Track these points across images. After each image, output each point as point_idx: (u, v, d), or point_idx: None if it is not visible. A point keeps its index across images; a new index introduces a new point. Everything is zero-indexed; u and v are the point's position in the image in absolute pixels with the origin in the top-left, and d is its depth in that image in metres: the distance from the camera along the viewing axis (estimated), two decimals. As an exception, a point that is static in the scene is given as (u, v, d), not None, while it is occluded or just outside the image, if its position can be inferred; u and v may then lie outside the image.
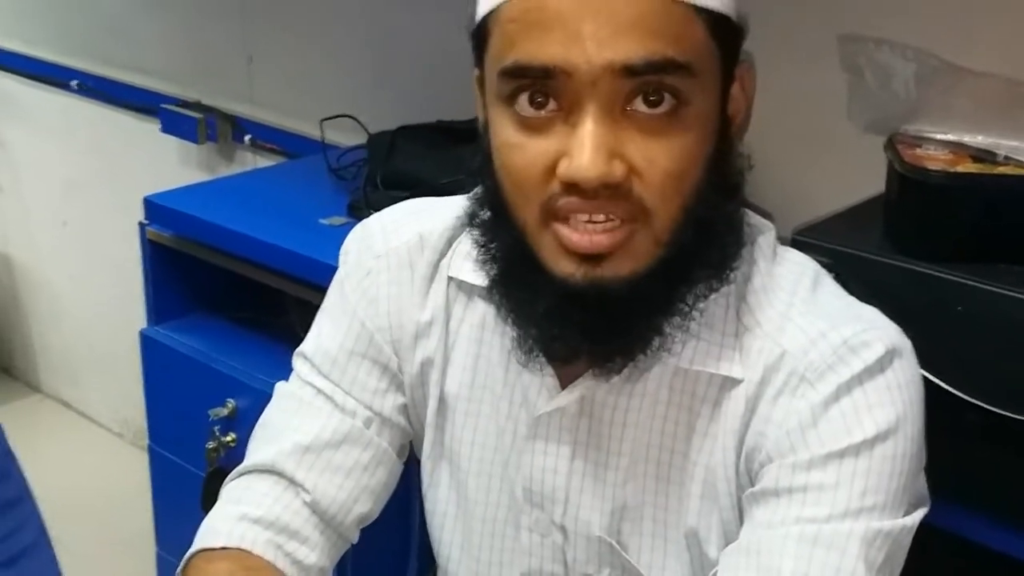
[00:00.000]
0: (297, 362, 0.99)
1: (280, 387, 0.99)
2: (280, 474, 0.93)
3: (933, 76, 1.11)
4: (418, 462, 1.01)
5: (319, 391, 0.95)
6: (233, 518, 0.90)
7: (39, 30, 2.71)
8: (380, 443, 0.95)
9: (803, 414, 0.81)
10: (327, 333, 0.98)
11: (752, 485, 0.84)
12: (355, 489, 0.94)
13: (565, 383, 0.89)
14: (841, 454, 0.80)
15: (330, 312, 0.99)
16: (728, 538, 0.86)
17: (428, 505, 1.01)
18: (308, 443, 0.93)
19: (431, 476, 0.99)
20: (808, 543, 0.78)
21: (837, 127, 1.23)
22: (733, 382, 0.85)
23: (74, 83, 2.61)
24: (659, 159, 0.77)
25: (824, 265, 0.91)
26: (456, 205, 0.95)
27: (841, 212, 1.20)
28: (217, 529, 0.90)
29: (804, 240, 1.08)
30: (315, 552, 0.91)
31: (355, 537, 0.97)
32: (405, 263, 0.95)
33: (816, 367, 0.82)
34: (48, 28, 2.68)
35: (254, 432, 0.98)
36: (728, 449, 0.85)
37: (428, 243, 0.95)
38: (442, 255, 0.95)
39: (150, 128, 2.42)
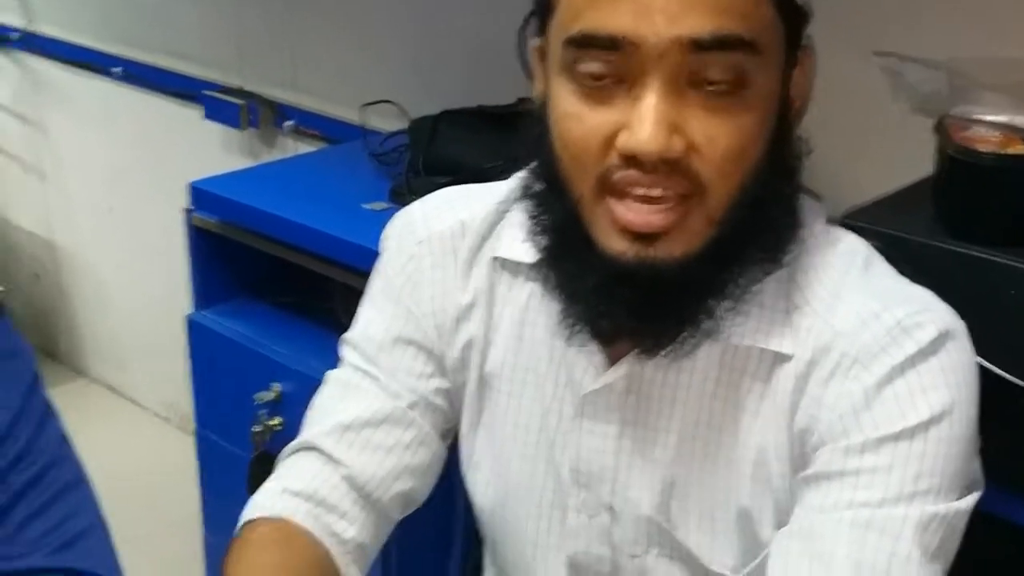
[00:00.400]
0: (344, 349, 1.00)
1: (328, 374, 1.00)
2: (320, 450, 0.94)
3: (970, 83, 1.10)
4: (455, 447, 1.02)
5: (364, 374, 0.96)
6: (275, 492, 0.92)
7: (81, 17, 2.72)
8: (423, 424, 0.96)
9: (856, 397, 0.81)
10: (371, 319, 0.99)
11: (805, 468, 0.83)
12: (395, 467, 0.94)
13: (612, 361, 0.88)
14: (895, 437, 0.79)
15: (373, 298, 1.00)
16: (780, 519, 0.85)
17: (470, 487, 1.01)
18: (348, 422, 0.94)
19: (470, 458, 0.99)
20: (862, 527, 0.78)
21: (885, 109, 1.22)
22: (782, 359, 0.84)
23: (117, 70, 2.63)
24: (719, 137, 0.77)
25: (878, 251, 0.90)
26: (496, 191, 0.96)
27: (890, 195, 1.19)
28: (260, 503, 0.92)
29: (853, 224, 1.07)
30: (353, 527, 0.92)
31: (397, 515, 0.97)
32: (448, 248, 0.96)
33: (869, 349, 0.81)
34: (90, 15, 2.70)
35: (304, 417, 0.99)
36: (780, 429, 0.85)
37: (470, 228, 0.95)
38: (484, 239, 0.95)
39: (193, 114, 2.43)
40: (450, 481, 1.05)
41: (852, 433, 0.80)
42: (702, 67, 0.76)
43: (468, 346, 0.96)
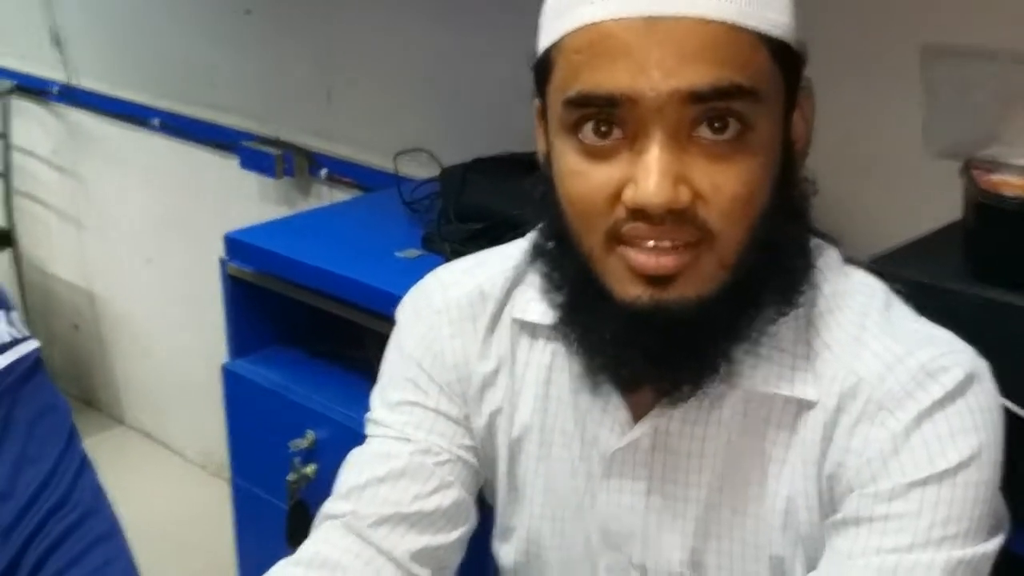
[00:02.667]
0: (367, 427, 0.98)
1: (350, 454, 0.97)
2: (332, 516, 0.92)
3: (1016, 86, 1.10)
4: (488, 515, 1.00)
5: (383, 439, 0.95)
6: (280, 566, 0.90)
7: (120, 70, 2.78)
8: (443, 475, 0.93)
9: (884, 443, 0.80)
10: (390, 393, 0.97)
11: (833, 513, 0.83)
12: (408, 515, 0.91)
13: (637, 417, 0.88)
14: (924, 482, 0.79)
15: (391, 375, 0.98)
16: (811, 565, 0.85)
17: (501, 558, 1.00)
18: (361, 483, 0.92)
19: (505, 529, 0.98)
20: (888, 574, 0.78)
21: (912, 153, 1.22)
22: (807, 406, 0.84)
23: (156, 121, 2.68)
24: (725, 184, 0.77)
25: (899, 294, 0.89)
26: (510, 255, 0.95)
27: (917, 240, 1.19)
28: None
29: (880, 268, 1.07)
30: None
31: (408, 564, 0.91)
32: (467, 315, 0.95)
33: (894, 394, 0.81)
34: (129, 68, 2.75)
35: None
36: (808, 478, 0.84)
37: (489, 295, 0.95)
38: (502, 305, 0.95)
39: (229, 164, 2.48)
40: (482, 557, 1.04)
41: (880, 479, 0.80)
42: (702, 117, 0.76)
43: (495, 414, 0.95)
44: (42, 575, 0.83)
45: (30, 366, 0.90)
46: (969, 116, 1.12)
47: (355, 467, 0.94)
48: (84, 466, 0.91)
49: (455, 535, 0.94)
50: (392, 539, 0.90)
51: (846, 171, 1.41)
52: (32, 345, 0.91)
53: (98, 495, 0.90)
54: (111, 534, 0.88)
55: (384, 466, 0.92)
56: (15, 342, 0.89)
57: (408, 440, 0.93)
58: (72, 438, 0.91)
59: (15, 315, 0.91)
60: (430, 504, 0.92)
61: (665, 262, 0.78)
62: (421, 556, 0.92)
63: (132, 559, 0.89)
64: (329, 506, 0.94)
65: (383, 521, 0.91)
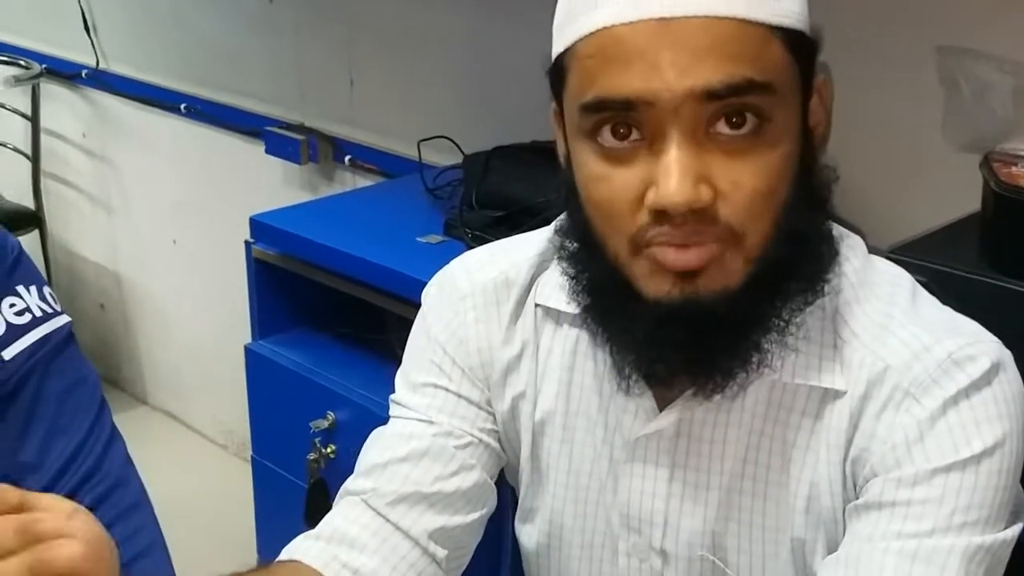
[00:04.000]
0: (391, 408, 0.99)
1: (372, 433, 0.99)
2: (351, 492, 0.93)
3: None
4: (510, 497, 1.01)
5: (406, 421, 0.96)
6: (299, 539, 0.91)
7: (149, 56, 2.80)
8: (464, 458, 0.94)
9: (909, 429, 0.81)
10: (414, 375, 0.97)
11: (855, 498, 0.84)
12: (426, 495, 0.92)
13: (662, 405, 0.89)
14: (948, 469, 0.79)
15: (415, 355, 0.99)
16: (832, 549, 0.85)
17: (523, 539, 1.01)
18: (382, 461, 0.93)
19: (528, 511, 0.99)
20: (908, 558, 0.78)
21: (933, 145, 1.23)
22: (835, 394, 0.84)
23: (183, 107, 2.70)
24: (745, 180, 0.77)
25: (920, 284, 0.89)
26: (534, 242, 0.96)
27: (937, 230, 1.19)
28: (286, 549, 0.91)
29: (900, 258, 1.08)
30: (374, 559, 0.89)
31: (425, 542, 0.92)
32: (492, 301, 0.96)
33: (921, 381, 0.81)
34: (159, 55, 2.78)
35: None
36: (833, 464, 0.85)
37: (514, 281, 0.95)
38: (527, 291, 0.95)
39: (255, 149, 2.49)
40: (498, 537, 1.04)
41: (904, 465, 0.81)
42: (719, 114, 0.77)
43: (519, 398, 0.96)
44: None
45: (62, 339, 0.92)
46: (988, 111, 1.12)
47: (377, 446, 0.95)
48: (114, 437, 0.93)
49: (473, 517, 0.94)
50: (410, 517, 0.91)
51: (868, 163, 1.42)
52: (64, 319, 0.93)
53: (127, 466, 0.92)
54: (140, 504, 0.90)
55: (406, 446, 0.93)
56: (47, 316, 0.91)
57: (431, 422, 0.94)
58: (102, 410, 0.92)
59: (47, 290, 0.93)
60: (450, 485, 0.92)
61: (691, 256, 0.78)
62: (438, 535, 0.92)
63: (159, 529, 0.91)
64: (350, 483, 0.95)
65: (402, 499, 0.91)
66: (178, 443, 3.03)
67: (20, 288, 0.90)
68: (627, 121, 0.78)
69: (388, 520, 0.91)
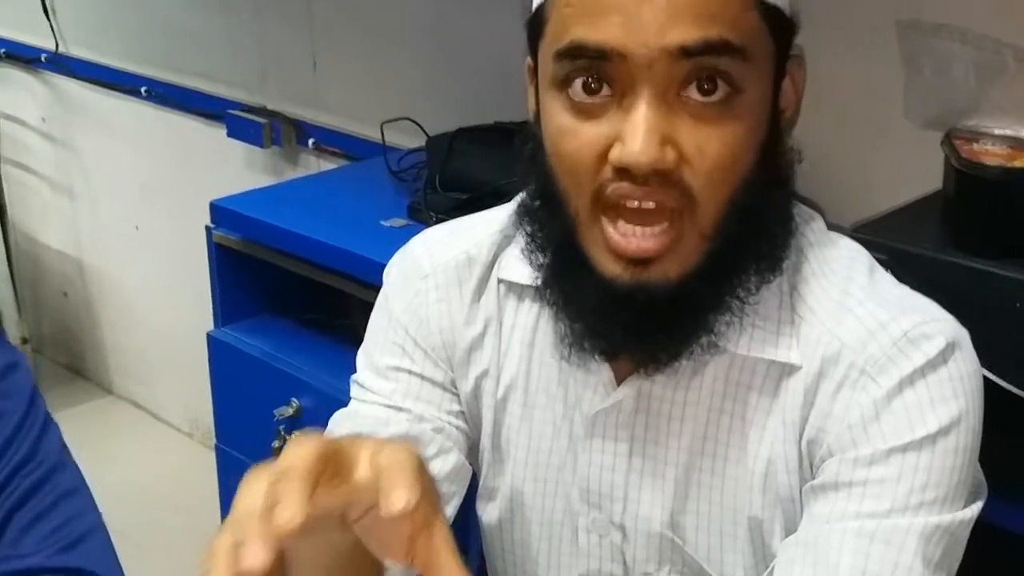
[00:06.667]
0: (353, 389, 0.99)
1: (337, 413, 0.98)
2: None
3: (993, 65, 1.10)
4: (473, 475, 1.00)
5: (373, 405, 0.95)
6: None
7: (109, 39, 2.78)
8: (441, 441, 0.94)
9: (865, 408, 0.81)
10: (377, 357, 0.97)
11: (812, 478, 0.84)
12: None
13: (620, 379, 0.89)
14: (904, 449, 0.79)
15: (377, 337, 0.98)
16: (789, 528, 0.86)
17: (483, 517, 1.01)
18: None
19: (489, 489, 0.99)
20: (866, 538, 0.78)
21: (894, 122, 1.23)
22: (790, 370, 0.85)
23: (144, 90, 2.68)
24: (710, 147, 0.77)
25: (881, 262, 0.90)
26: (496, 219, 0.96)
27: (899, 208, 1.19)
28: None
29: (861, 237, 1.08)
30: None
31: None
32: (453, 280, 0.96)
33: (876, 360, 0.81)
34: (119, 37, 2.76)
35: None
36: (788, 441, 0.85)
37: (475, 259, 0.95)
38: (489, 268, 0.95)
39: (217, 133, 2.47)
40: (463, 517, 1.04)
41: (860, 444, 0.81)
42: (692, 76, 0.77)
43: (482, 376, 0.96)
44: (10, 529, 0.84)
45: None
46: (949, 88, 1.12)
47: (348, 431, 0.93)
48: (48, 422, 0.92)
49: (455, 501, 0.95)
50: None
51: (829, 140, 1.42)
52: None
53: (62, 451, 0.91)
54: (77, 489, 0.89)
55: (384, 431, 0.92)
56: None
57: (400, 409, 0.94)
58: (34, 396, 0.91)
59: None
60: (433, 468, 0.92)
61: (646, 245, 0.78)
62: None
63: (99, 513, 0.90)
64: None
65: None
66: (143, 431, 3.02)
67: None
68: (599, 74, 0.78)
69: None
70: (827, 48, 1.38)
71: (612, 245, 0.79)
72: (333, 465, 0.58)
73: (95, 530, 0.88)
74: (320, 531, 0.61)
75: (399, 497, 0.56)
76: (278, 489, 0.55)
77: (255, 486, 0.56)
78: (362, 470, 0.58)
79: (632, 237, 0.79)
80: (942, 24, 1.14)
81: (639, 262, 0.79)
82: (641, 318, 0.80)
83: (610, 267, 0.80)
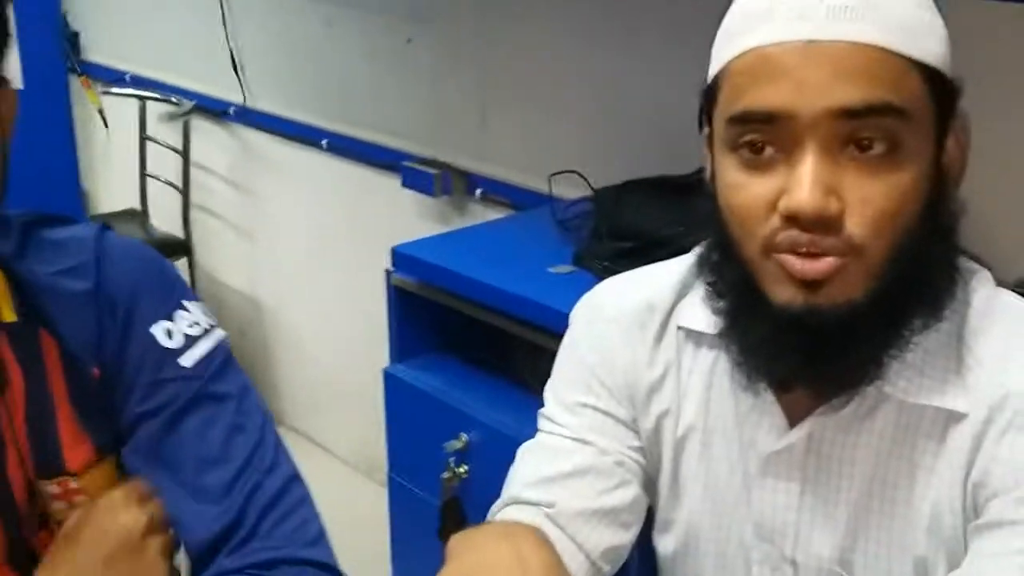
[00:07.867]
0: (540, 421, 1.05)
1: (524, 445, 1.04)
2: (522, 501, 0.98)
3: None
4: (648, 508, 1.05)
5: (563, 438, 1.01)
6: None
7: (293, 94, 2.93)
8: (622, 473, 0.99)
9: None
10: (564, 393, 1.03)
11: (977, 518, 0.87)
12: (597, 509, 0.97)
13: (793, 422, 0.93)
14: None
15: (565, 375, 1.05)
16: (953, 567, 0.88)
17: (659, 547, 1.05)
18: (551, 475, 0.99)
19: (665, 521, 1.04)
20: None
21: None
22: (957, 418, 0.88)
23: (324, 142, 2.81)
24: (874, 198, 0.82)
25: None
26: (675, 270, 1.02)
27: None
28: None
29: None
30: None
31: (602, 564, 0.97)
32: (635, 324, 1.01)
33: None
34: (302, 93, 2.90)
35: (506, 480, 1.03)
36: (954, 485, 0.88)
37: (656, 306, 1.01)
38: (669, 315, 1.01)
39: (391, 183, 2.59)
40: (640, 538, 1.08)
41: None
42: (854, 134, 0.82)
43: (663, 415, 1.01)
44: (261, 528, 0.93)
45: (228, 349, 1.01)
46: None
47: (537, 459, 1.01)
48: (280, 437, 1.01)
49: (634, 531, 1.00)
50: (584, 533, 0.96)
51: (995, 197, 1.42)
52: (223, 331, 1.02)
53: (294, 463, 1.00)
54: (308, 498, 0.98)
55: (569, 462, 0.98)
56: (213, 327, 1.00)
57: (585, 442, 1.00)
58: (268, 414, 1.01)
59: (203, 306, 1.02)
60: (614, 499, 0.98)
61: (817, 266, 0.83)
62: (609, 554, 0.98)
63: (322, 521, 0.99)
64: (520, 492, 0.99)
65: (578, 515, 0.96)
66: (312, 463, 3.10)
67: (187, 303, 0.99)
68: (769, 134, 0.83)
69: (566, 534, 0.96)
70: (992, 107, 1.40)
71: (787, 267, 0.84)
72: None
73: (325, 533, 0.97)
74: None
75: None
76: None
77: None
78: None
79: (805, 259, 0.83)
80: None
81: (810, 285, 0.83)
82: (812, 343, 0.85)
83: (783, 293, 0.85)
